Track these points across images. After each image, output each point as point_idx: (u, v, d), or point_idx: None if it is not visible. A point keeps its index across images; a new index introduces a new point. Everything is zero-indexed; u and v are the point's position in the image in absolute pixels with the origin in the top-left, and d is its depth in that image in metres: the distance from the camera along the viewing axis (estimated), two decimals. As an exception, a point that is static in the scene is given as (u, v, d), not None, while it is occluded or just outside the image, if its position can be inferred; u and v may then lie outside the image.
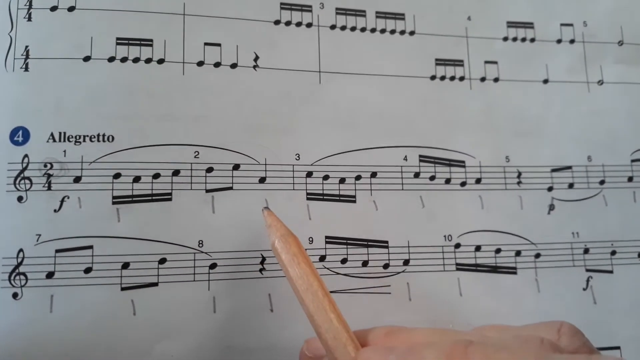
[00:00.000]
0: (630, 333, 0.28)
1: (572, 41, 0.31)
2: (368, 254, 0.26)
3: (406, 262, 0.27)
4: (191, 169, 0.25)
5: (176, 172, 0.25)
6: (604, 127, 0.30)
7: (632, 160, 0.30)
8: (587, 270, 0.28)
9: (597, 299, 0.28)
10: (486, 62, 0.29)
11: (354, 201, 0.27)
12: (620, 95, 0.30)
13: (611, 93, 0.30)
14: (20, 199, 0.23)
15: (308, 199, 0.26)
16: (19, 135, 0.24)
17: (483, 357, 0.16)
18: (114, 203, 0.24)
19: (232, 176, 0.25)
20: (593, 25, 0.31)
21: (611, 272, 0.29)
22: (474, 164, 0.28)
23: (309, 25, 0.27)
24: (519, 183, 0.29)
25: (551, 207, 0.29)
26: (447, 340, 0.18)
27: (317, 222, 0.26)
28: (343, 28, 0.28)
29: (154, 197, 0.24)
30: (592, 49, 0.31)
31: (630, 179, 0.30)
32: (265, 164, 0.26)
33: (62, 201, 0.23)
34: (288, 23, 0.27)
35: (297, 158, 0.26)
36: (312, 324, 0.20)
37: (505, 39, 0.30)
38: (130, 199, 0.24)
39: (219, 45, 0.26)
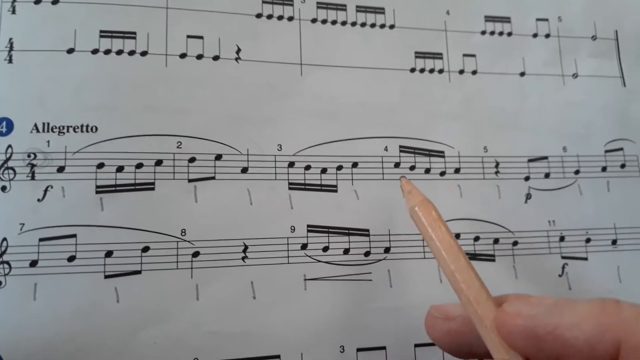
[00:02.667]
0: (605, 318, 0.29)
1: (547, 35, 0.31)
2: (349, 242, 0.27)
3: (387, 250, 0.27)
4: (174, 159, 0.25)
5: (159, 162, 0.25)
6: (578, 119, 0.31)
7: (606, 151, 0.31)
8: (563, 258, 0.29)
9: (572, 285, 0.29)
10: (465, 55, 0.30)
11: (336, 191, 0.27)
12: (594, 88, 0.31)
13: (585, 86, 0.31)
14: (3, 188, 0.24)
15: (290, 188, 0.27)
16: (3, 126, 0.24)
17: (636, 310, 0.16)
18: (97, 192, 0.24)
19: (215, 166, 0.26)
20: (568, 20, 0.32)
21: (586, 259, 0.29)
22: (453, 154, 0.29)
23: (291, 18, 0.28)
24: (496, 173, 0.29)
25: (528, 196, 0.29)
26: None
27: (299, 211, 0.26)
28: (324, 22, 0.29)
29: (137, 187, 0.25)
30: (567, 43, 0.32)
31: (604, 169, 0.31)
32: (248, 155, 0.26)
33: (45, 191, 0.24)
34: (270, 16, 0.28)
35: (279, 148, 0.27)
36: (452, 283, 0.21)
37: (483, 32, 0.31)
38: (114, 189, 0.24)
39: (201, 37, 0.27)
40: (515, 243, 0.29)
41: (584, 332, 0.16)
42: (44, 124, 0.24)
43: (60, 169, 0.24)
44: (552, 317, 0.17)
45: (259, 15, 0.28)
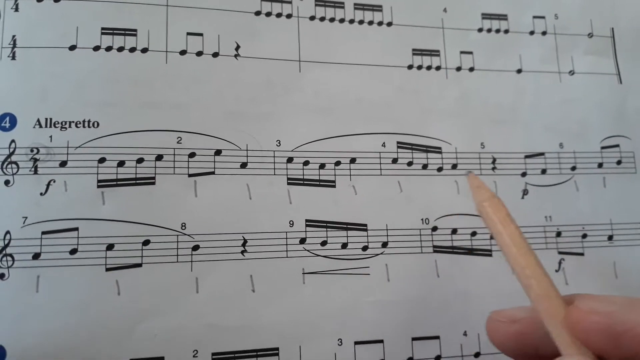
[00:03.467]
0: (601, 312, 0.29)
1: (544, 33, 0.32)
2: (347, 236, 0.27)
3: (384, 245, 0.27)
4: (174, 154, 0.26)
5: (159, 157, 0.25)
6: (575, 116, 0.31)
7: (602, 147, 0.31)
8: (560, 253, 0.29)
9: (568, 280, 0.29)
10: (462, 52, 0.30)
11: (334, 186, 0.28)
12: (591, 85, 0.32)
13: (582, 83, 0.32)
14: (7, 182, 0.24)
15: (289, 183, 0.27)
16: (6, 122, 0.24)
17: None
18: (99, 187, 0.25)
19: (214, 161, 0.26)
20: (564, 18, 0.32)
21: (582, 254, 0.30)
22: (450, 150, 0.29)
23: (289, 16, 0.28)
24: (493, 169, 0.30)
25: (525, 192, 0.30)
26: None
27: (297, 206, 0.27)
28: (322, 19, 0.29)
29: (137, 181, 0.25)
30: (564, 40, 0.32)
31: (600, 165, 0.31)
32: (247, 150, 0.27)
33: (48, 185, 0.24)
34: (268, 14, 0.28)
35: (278, 144, 0.27)
36: (522, 279, 0.20)
37: (480, 30, 0.31)
38: (115, 183, 0.25)
39: (201, 35, 0.27)
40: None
41: None
42: (46, 119, 0.25)
43: (63, 164, 0.24)
44: (631, 314, 0.17)
45: (257, 13, 0.28)
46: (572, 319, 0.18)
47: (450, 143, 0.29)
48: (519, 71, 0.31)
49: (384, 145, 0.28)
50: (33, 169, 0.24)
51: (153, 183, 0.25)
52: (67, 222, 0.24)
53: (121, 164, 0.25)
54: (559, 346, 0.19)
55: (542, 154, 0.30)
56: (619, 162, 0.31)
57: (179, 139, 0.26)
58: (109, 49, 0.26)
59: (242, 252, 0.26)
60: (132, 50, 0.26)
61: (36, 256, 0.24)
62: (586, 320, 0.18)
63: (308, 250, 0.27)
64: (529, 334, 0.21)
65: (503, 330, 0.22)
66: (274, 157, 0.27)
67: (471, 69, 0.30)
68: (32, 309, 0.23)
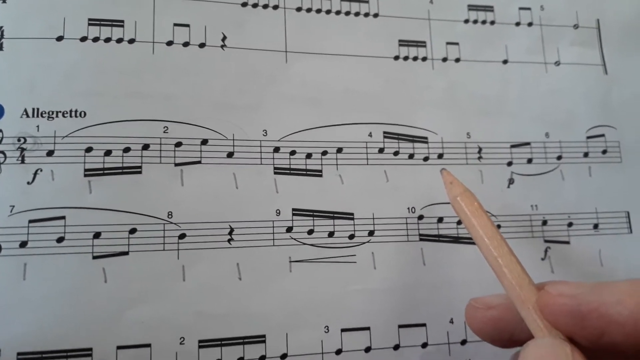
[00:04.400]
0: (586, 300, 0.29)
1: (530, 24, 0.32)
2: (334, 225, 0.27)
3: (371, 233, 0.28)
4: (160, 144, 0.26)
5: (146, 147, 0.26)
6: (561, 106, 0.31)
7: (588, 137, 0.31)
8: (546, 241, 0.30)
9: (554, 269, 0.29)
10: (448, 43, 0.31)
11: (321, 175, 0.28)
12: (576, 76, 0.32)
13: (568, 73, 0.32)
14: (-6, 172, 0.24)
15: (275, 173, 0.27)
16: (-6, 112, 0.25)
17: None
18: (85, 175, 0.25)
19: (201, 151, 0.26)
20: (550, 9, 0.32)
21: (568, 242, 0.30)
22: (436, 140, 0.29)
23: (276, 7, 0.29)
24: (479, 158, 0.30)
25: (511, 181, 0.30)
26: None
27: (284, 195, 0.27)
28: (309, 10, 0.29)
29: (124, 170, 0.25)
30: (549, 31, 0.32)
31: (586, 155, 0.31)
32: (233, 140, 0.27)
33: (35, 174, 0.24)
34: (255, 5, 0.28)
35: (265, 134, 0.27)
36: (495, 269, 0.22)
37: (466, 21, 0.31)
38: (102, 172, 0.25)
39: (187, 26, 0.27)
40: (498, 227, 0.29)
41: (627, 307, 0.17)
42: (33, 109, 0.25)
43: (50, 153, 0.25)
44: (594, 295, 0.18)
45: (244, 4, 0.28)
46: (541, 302, 0.20)
47: (436, 133, 0.29)
48: (505, 62, 0.31)
49: (370, 135, 0.29)
50: (20, 159, 0.24)
51: (139, 172, 0.25)
52: (54, 210, 0.24)
53: (108, 153, 0.25)
54: (531, 329, 0.20)
55: (528, 143, 0.30)
56: (604, 152, 0.31)
57: (166, 128, 0.26)
58: (96, 39, 0.26)
59: (229, 241, 0.26)
60: (119, 41, 0.26)
61: (23, 244, 0.24)
62: (555, 303, 0.19)
63: (295, 239, 0.27)
64: (504, 319, 0.22)
65: (480, 316, 0.23)
66: (260, 146, 0.27)
67: (457, 60, 0.31)
68: (19, 297, 0.23)
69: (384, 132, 0.29)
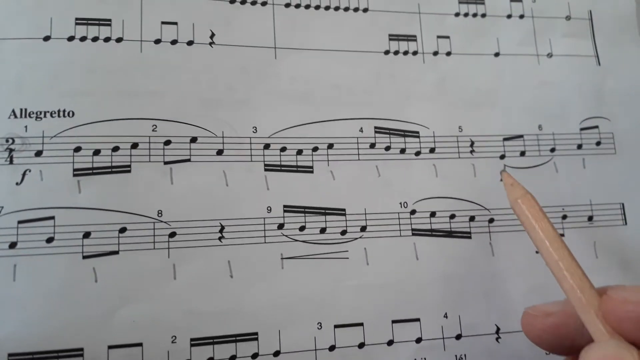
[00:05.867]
0: (581, 293, 0.29)
1: (521, 16, 0.32)
2: (326, 221, 0.27)
3: (363, 229, 0.28)
4: (149, 142, 0.26)
5: (135, 145, 0.26)
6: (553, 98, 0.31)
7: (581, 129, 0.31)
8: (540, 234, 0.29)
9: (549, 262, 0.29)
10: (439, 37, 0.31)
11: (312, 171, 0.28)
12: (569, 68, 0.32)
13: (560, 65, 0.32)
14: (-17, 173, 0.24)
15: (266, 170, 0.27)
16: (-19, 113, 0.25)
17: None
18: (74, 175, 0.25)
19: (190, 148, 0.26)
20: (541, 1, 0.32)
21: (562, 235, 0.30)
22: (427, 134, 0.29)
23: (264, 4, 0.28)
24: (471, 152, 0.30)
25: (504, 174, 0.30)
26: None
27: (275, 192, 0.27)
28: (297, 6, 0.29)
29: (113, 169, 0.25)
30: (541, 23, 0.32)
31: (579, 147, 0.31)
32: (223, 137, 0.27)
33: (23, 174, 0.24)
34: (243, 2, 0.28)
35: (255, 131, 0.27)
36: (555, 272, 0.21)
37: (457, 14, 0.31)
38: (91, 171, 0.25)
39: (175, 24, 0.27)
40: (491, 220, 0.29)
41: None
42: (21, 109, 0.25)
43: (38, 153, 0.25)
44: None
45: (232, 1, 0.28)
46: (605, 308, 0.19)
47: (427, 127, 0.29)
48: (497, 55, 0.31)
49: (361, 130, 0.29)
50: (8, 159, 0.24)
51: (129, 171, 0.25)
52: (43, 211, 0.24)
53: (97, 152, 0.25)
54: (592, 334, 0.20)
55: (521, 136, 0.30)
56: (598, 143, 0.31)
57: (154, 127, 0.26)
58: (83, 39, 0.26)
59: (220, 239, 0.26)
60: (107, 40, 0.26)
61: (13, 245, 0.24)
62: (619, 309, 0.19)
63: (286, 236, 0.27)
64: (564, 325, 0.22)
65: (538, 323, 0.23)
66: (250, 143, 0.27)
67: (448, 54, 0.30)
68: (9, 297, 0.23)
69: (375, 127, 0.29)
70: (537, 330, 0.23)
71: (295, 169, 0.27)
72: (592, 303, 0.20)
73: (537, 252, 0.29)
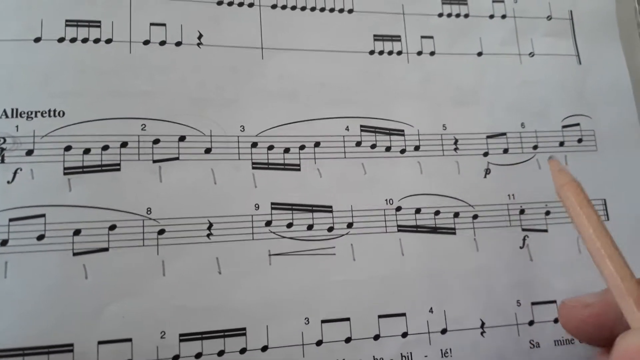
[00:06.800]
0: (564, 287, 0.29)
1: (503, 16, 0.32)
2: (313, 218, 0.28)
3: (350, 225, 0.28)
4: (138, 141, 0.26)
5: (124, 144, 0.26)
6: (536, 96, 0.32)
7: (563, 127, 0.32)
8: (523, 230, 0.30)
9: (533, 257, 0.30)
10: (422, 37, 0.31)
11: (299, 169, 0.28)
12: (551, 66, 0.32)
13: (542, 64, 0.32)
14: (-26, 172, 0.25)
15: (254, 168, 0.28)
16: (-27, 113, 0.25)
17: None
18: (65, 174, 0.25)
19: (178, 147, 0.27)
20: (523, 1, 0.33)
21: (546, 230, 0.30)
22: (412, 132, 0.30)
23: (251, 5, 0.29)
24: (455, 149, 0.30)
25: (487, 171, 0.30)
26: None
27: (262, 189, 0.27)
28: (284, 7, 0.30)
29: (103, 168, 0.26)
30: (523, 23, 0.33)
31: (561, 144, 0.32)
32: (211, 136, 0.27)
33: (15, 173, 0.25)
34: (230, 3, 0.29)
35: (242, 129, 0.28)
36: (597, 259, 0.21)
37: (440, 15, 0.32)
38: (81, 170, 0.25)
39: (164, 25, 0.28)
40: (475, 216, 0.30)
41: None
42: (12, 109, 0.25)
43: (29, 152, 0.25)
44: None
45: (220, 3, 0.29)
46: None
47: (412, 125, 0.30)
48: (480, 54, 0.32)
49: (347, 129, 0.29)
50: (0, 158, 0.25)
51: (118, 169, 0.26)
52: (34, 208, 0.25)
53: (87, 151, 0.26)
54: (630, 323, 0.20)
55: (504, 134, 0.31)
56: (579, 141, 0.32)
57: (144, 126, 0.26)
58: (73, 40, 0.27)
59: (208, 236, 0.26)
60: (97, 41, 0.27)
61: (4, 243, 0.24)
62: None
63: (274, 233, 0.27)
64: (603, 315, 0.22)
65: (577, 314, 0.23)
66: (238, 142, 0.28)
67: (432, 53, 0.31)
68: (1, 294, 0.24)
69: (361, 126, 0.29)
70: (576, 321, 0.23)
71: (283, 167, 0.28)
72: (631, 291, 0.20)
73: (521, 247, 0.30)
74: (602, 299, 0.22)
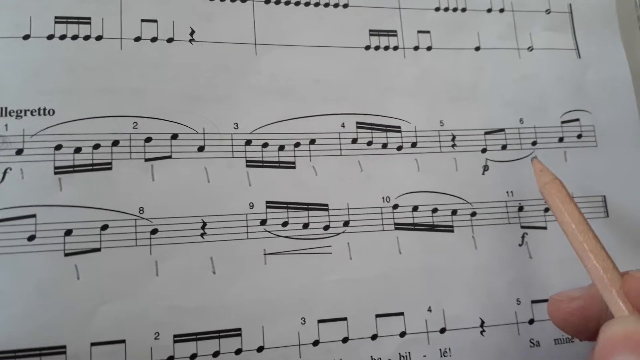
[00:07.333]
0: (564, 285, 0.29)
1: (501, 10, 0.32)
2: (308, 216, 0.27)
3: (346, 223, 0.28)
4: (130, 139, 0.26)
5: (116, 143, 0.26)
6: (534, 91, 0.31)
7: (562, 122, 0.31)
8: (522, 227, 0.30)
9: (532, 254, 0.29)
10: (419, 31, 0.31)
11: (294, 167, 0.28)
12: (550, 61, 0.32)
13: (541, 59, 0.32)
14: (-37, 172, 0.24)
15: (248, 166, 0.27)
16: (-38, 112, 0.25)
17: None
18: (56, 173, 0.25)
19: (171, 145, 0.26)
20: (522, -5, 0.32)
21: (545, 228, 0.30)
22: (409, 128, 0.29)
23: (244, 0, 0.29)
24: (453, 146, 0.30)
25: (485, 168, 0.30)
26: None
27: (257, 187, 0.27)
28: (277, 2, 0.29)
29: (94, 167, 0.25)
30: (521, 17, 0.32)
31: (560, 140, 0.31)
32: (204, 133, 0.27)
33: (4, 173, 0.24)
34: (223, -1, 0.28)
35: (236, 127, 0.27)
36: (580, 253, 0.23)
37: (437, 9, 0.31)
38: (72, 169, 0.25)
39: (155, 21, 0.27)
40: (473, 214, 0.29)
41: None
42: (1, 108, 0.25)
43: (19, 152, 0.25)
44: None
45: (212, -2, 0.28)
46: (627, 286, 0.20)
47: (409, 122, 0.29)
48: (478, 49, 0.31)
49: (343, 125, 0.29)
50: (-11, 158, 0.24)
51: (110, 168, 0.25)
52: (24, 209, 0.24)
53: (78, 150, 0.25)
54: (614, 313, 0.20)
55: (502, 129, 0.30)
56: (579, 136, 0.31)
57: (135, 124, 0.26)
58: (63, 37, 0.26)
59: (202, 235, 0.26)
60: (87, 38, 0.26)
61: (-6, 244, 0.24)
62: None
63: (269, 232, 0.27)
64: (589, 308, 0.23)
65: (564, 308, 0.24)
66: (231, 139, 0.27)
67: (429, 48, 0.31)
68: (-9, 296, 0.23)
69: (357, 123, 0.29)
70: (563, 314, 0.24)
71: (277, 164, 0.28)
72: (614, 282, 0.21)
73: (520, 244, 0.29)
74: (587, 292, 0.23)
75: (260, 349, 0.25)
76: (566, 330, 0.24)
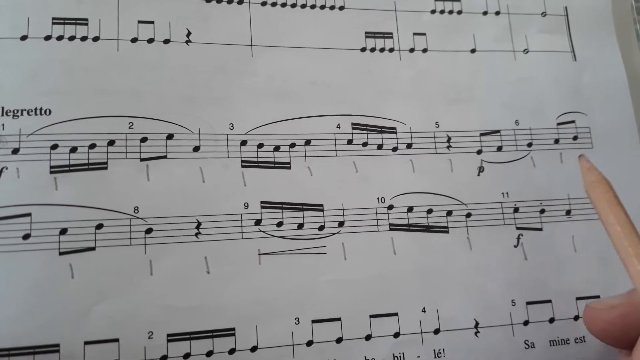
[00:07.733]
0: (559, 286, 0.29)
1: (497, 13, 0.32)
2: (303, 217, 0.27)
3: (341, 224, 0.28)
4: (126, 139, 0.26)
5: (111, 143, 0.26)
6: (530, 93, 0.31)
7: (558, 124, 0.31)
8: (518, 228, 0.30)
9: (527, 256, 0.29)
10: (415, 34, 0.31)
11: (289, 167, 0.28)
12: (546, 63, 0.32)
13: (537, 61, 0.32)
14: (-40, 171, 0.24)
15: (243, 166, 0.27)
16: (-41, 112, 0.25)
17: None
18: (51, 172, 0.25)
19: (166, 145, 0.26)
20: (517, -3, 0.32)
21: (540, 229, 0.30)
22: (404, 130, 0.30)
23: (240, 2, 0.29)
24: (448, 147, 0.30)
25: (481, 169, 0.30)
26: None
27: (252, 188, 0.27)
28: (274, 4, 0.29)
29: (90, 166, 0.25)
30: (517, 19, 0.32)
31: (556, 141, 0.31)
32: (199, 134, 0.27)
33: (0, 172, 0.24)
34: (219, 0, 0.29)
35: (231, 127, 0.27)
36: (623, 255, 0.22)
37: (433, 11, 0.31)
38: (68, 169, 0.25)
39: (152, 22, 0.27)
40: (468, 215, 0.29)
41: None
42: (-2, 108, 0.25)
43: (15, 151, 0.25)
44: None
45: (208, 0, 0.28)
46: None
47: (404, 123, 0.30)
48: (473, 51, 0.31)
49: (338, 126, 0.29)
50: (-15, 157, 0.25)
51: (105, 168, 0.25)
52: (19, 207, 0.24)
53: (73, 150, 0.25)
54: None
55: (498, 131, 0.31)
56: (575, 138, 0.31)
57: (131, 124, 0.26)
58: (60, 38, 0.26)
59: (196, 235, 0.26)
60: (84, 39, 0.27)
61: (-11, 242, 0.24)
62: None
63: (263, 232, 0.27)
64: (629, 316, 0.22)
65: (603, 317, 0.22)
66: (227, 140, 0.27)
67: (425, 50, 0.31)
68: (-14, 294, 0.23)
69: (352, 124, 0.29)
70: (603, 323, 0.22)
71: (273, 165, 0.28)
72: None
73: (515, 246, 0.29)
74: (628, 300, 0.22)
75: (253, 349, 0.26)
76: (605, 340, 0.23)
